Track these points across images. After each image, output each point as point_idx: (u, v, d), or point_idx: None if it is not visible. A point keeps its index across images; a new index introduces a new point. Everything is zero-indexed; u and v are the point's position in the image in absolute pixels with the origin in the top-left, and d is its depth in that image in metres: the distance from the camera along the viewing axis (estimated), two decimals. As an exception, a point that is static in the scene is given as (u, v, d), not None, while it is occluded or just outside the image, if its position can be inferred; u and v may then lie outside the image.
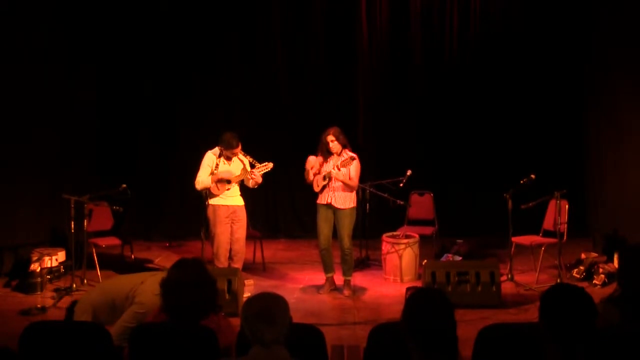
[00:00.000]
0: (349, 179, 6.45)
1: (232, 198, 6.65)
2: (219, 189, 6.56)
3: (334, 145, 6.44)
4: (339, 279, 6.77)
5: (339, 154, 6.50)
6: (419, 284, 6.71)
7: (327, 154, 6.50)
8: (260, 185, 6.77)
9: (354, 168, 6.47)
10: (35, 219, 7.65)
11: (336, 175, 6.39)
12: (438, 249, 7.86)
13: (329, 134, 6.44)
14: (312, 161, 6.55)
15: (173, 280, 3.41)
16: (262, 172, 6.64)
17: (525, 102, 8.91)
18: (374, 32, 9.07)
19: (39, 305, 6.15)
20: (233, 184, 6.61)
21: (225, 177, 6.56)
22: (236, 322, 3.16)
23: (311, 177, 6.53)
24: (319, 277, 6.89)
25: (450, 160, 9.03)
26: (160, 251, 8.61)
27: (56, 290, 6.69)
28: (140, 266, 7.66)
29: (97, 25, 8.56)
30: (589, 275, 6.87)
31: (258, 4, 9.10)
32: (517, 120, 8.94)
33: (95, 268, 7.13)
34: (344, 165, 6.39)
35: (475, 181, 8.84)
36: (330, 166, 6.48)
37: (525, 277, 7.02)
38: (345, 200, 6.51)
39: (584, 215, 8.50)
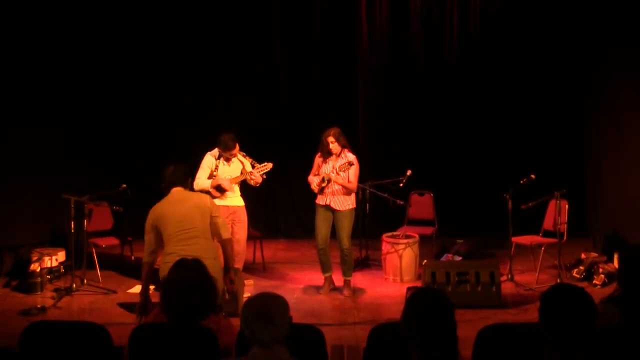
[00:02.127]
0: (348, 181, 6.46)
1: (233, 198, 6.64)
2: (215, 196, 6.54)
3: (334, 146, 6.44)
4: (338, 279, 6.77)
5: (338, 155, 6.50)
6: (419, 284, 6.71)
7: (326, 154, 6.51)
8: (261, 184, 6.77)
9: (353, 172, 6.47)
10: (35, 219, 7.65)
11: (335, 179, 6.39)
12: (438, 249, 7.86)
13: (329, 135, 6.44)
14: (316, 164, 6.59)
15: (173, 280, 3.41)
16: (262, 172, 6.64)
17: (525, 102, 8.91)
18: (374, 32, 9.06)
19: (39, 305, 6.15)
20: (233, 185, 6.60)
21: (224, 184, 6.53)
22: (236, 322, 3.15)
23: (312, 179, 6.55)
24: (319, 277, 6.88)
25: (450, 160, 9.03)
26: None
27: (56, 290, 6.70)
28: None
29: (97, 25, 8.57)
30: (589, 275, 6.88)
31: (258, 3, 9.11)
32: (517, 120, 8.94)
33: (95, 268, 7.14)
34: (342, 170, 6.40)
35: (475, 181, 8.86)
36: (329, 167, 6.48)
37: (525, 277, 7.02)
38: (344, 203, 6.51)
39: (584, 215, 8.49)
